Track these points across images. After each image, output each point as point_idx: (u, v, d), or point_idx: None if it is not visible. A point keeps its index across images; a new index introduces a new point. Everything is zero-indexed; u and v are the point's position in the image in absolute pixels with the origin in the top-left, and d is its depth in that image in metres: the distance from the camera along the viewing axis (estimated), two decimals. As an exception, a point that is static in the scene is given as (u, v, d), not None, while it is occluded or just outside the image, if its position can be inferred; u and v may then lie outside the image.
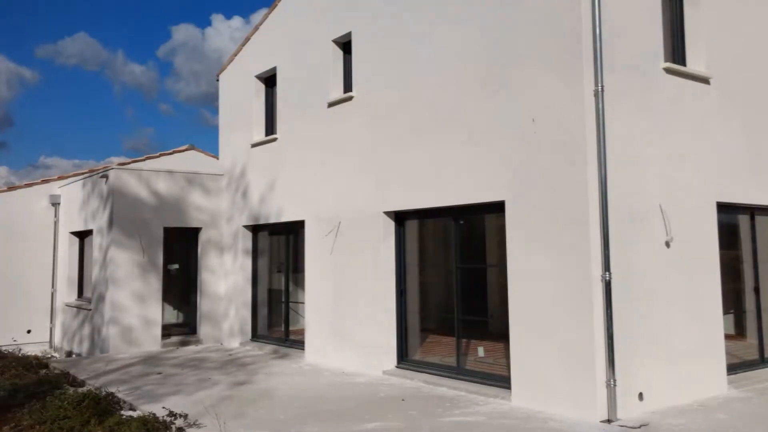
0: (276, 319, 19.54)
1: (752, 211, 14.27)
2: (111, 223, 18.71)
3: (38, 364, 15.93)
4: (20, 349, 18.95)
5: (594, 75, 10.66)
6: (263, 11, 19.42)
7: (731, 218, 14.06)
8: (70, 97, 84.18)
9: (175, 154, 23.47)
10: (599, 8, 10.71)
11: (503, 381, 12.15)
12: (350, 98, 15.63)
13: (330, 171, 16.14)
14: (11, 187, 23.09)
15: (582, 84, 10.66)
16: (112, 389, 13.02)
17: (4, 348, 18.88)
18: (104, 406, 11.48)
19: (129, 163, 21.52)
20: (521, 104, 11.56)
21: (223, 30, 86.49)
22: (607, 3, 10.92)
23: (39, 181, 23.56)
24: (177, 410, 10.99)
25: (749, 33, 13.98)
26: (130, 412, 11.49)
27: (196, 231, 20.34)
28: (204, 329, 20.07)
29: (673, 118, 11.99)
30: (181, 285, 21.18)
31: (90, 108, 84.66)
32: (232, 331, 19.78)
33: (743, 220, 14.37)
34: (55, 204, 23.25)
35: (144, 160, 22.33)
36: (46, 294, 23.00)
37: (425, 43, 13.68)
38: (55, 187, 23.47)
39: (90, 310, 19.87)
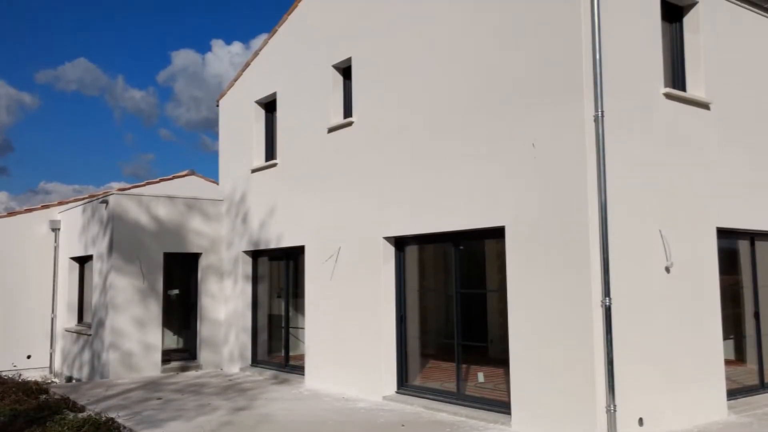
0: (276, 344, 19.53)
1: (752, 236, 14.30)
2: (111, 248, 18.74)
3: (38, 389, 15.90)
4: (20, 375, 18.92)
5: (594, 100, 10.71)
6: (263, 36, 19.53)
7: (731, 243, 14.09)
8: (70, 123, 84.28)
9: (175, 180, 23.46)
10: (599, 33, 10.77)
11: (503, 406, 12.12)
12: (350, 123, 15.70)
13: (330, 196, 16.18)
14: (11, 213, 23.12)
15: (582, 109, 10.71)
16: (113, 414, 13.01)
17: (4, 373, 18.86)
18: (104, 431, 11.49)
19: (129, 188, 21.52)
20: (521, 129, 11.60)
21: (223, 55, 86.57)
22: (607, 28, 10.99)
23: (39, 206, 23.60)
24: (177, 436, 10.98)
25: (749, 58, 14.05)
26: (130, 438, 11.49)
27: (196, 256, 20.36)
28: (204, 354, 20.05)
29: (672, 143, 12.04)
30: (181, 310, 21.16)
31: (90, 133, 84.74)
32: (232, 357, 19.77)
33: (743, 246, 14.40)
34: (55, 229, 23.28)
35: (144, 185, 22.34)
36: (46, 319, 22.98)
37: (425, 69, 13.75)
38: (55, 213, 23.52)
39: (90, 335, 19.86)
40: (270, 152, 19.49)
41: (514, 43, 11.97)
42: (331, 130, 16.35)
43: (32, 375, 20.50)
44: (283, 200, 17.97)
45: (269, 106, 19.69)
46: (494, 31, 12.35)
